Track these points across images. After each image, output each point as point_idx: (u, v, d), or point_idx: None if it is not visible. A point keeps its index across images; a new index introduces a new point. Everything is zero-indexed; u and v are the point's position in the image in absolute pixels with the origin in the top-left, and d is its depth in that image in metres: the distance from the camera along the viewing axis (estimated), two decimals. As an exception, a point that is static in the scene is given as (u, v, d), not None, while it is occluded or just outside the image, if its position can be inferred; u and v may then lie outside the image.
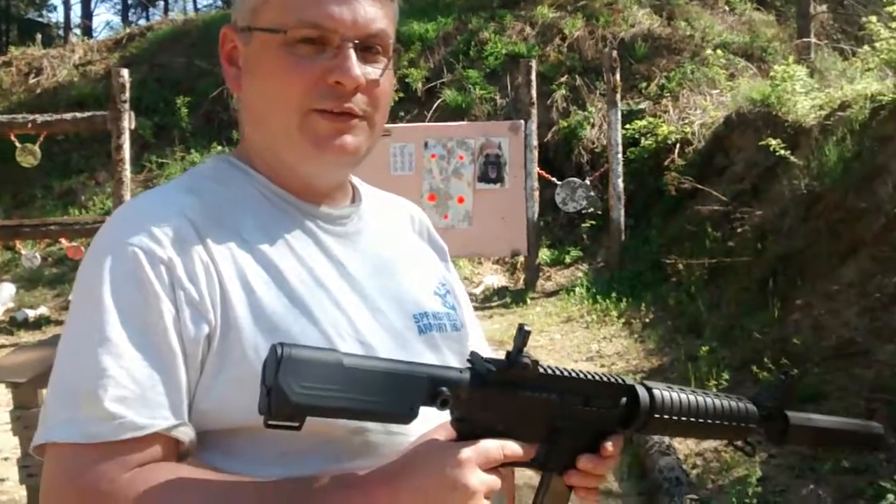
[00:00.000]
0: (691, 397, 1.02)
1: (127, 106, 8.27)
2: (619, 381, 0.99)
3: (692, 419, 1.02)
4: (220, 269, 0.95)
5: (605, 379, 0.97)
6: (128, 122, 8.26)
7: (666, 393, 1.00)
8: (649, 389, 0.99)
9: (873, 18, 7.44)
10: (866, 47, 7.87)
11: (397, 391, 0.83)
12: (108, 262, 0.93)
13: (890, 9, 7.08)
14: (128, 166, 8.42)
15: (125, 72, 8.39)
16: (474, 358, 0.90)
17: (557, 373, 0.92)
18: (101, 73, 13.78)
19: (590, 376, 0.95)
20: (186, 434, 0.91)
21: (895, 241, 5.20)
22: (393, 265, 1.10)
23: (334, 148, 1.01)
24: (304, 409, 0.79)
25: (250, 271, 0.97)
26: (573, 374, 0.94)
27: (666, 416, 0.99)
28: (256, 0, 1.02)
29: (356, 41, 0.99)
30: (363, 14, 1.00)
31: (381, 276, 1.07)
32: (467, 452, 0.86)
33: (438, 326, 1.09)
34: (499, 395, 0.88)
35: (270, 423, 0.79)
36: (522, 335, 0.87)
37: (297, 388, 0.78)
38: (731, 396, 1.08)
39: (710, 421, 1.03)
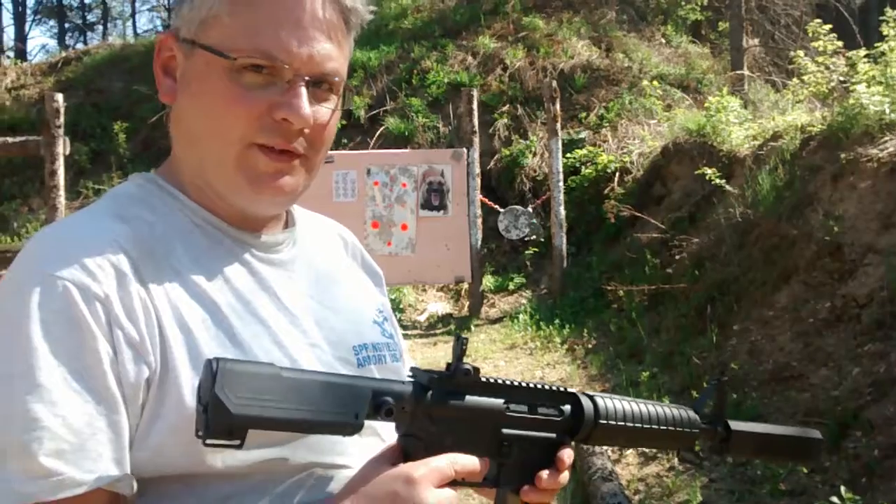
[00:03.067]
0: (633, 405, 1.03)
1: (61, 131, 8.07)
2: (562, 389, 0.98)
3: (637, 425, 1.02)
4: (157, 305, 0.88)
5: (546, 387, 0.97)
6: (62, 147, 8.06)
7: (609, 401, 1.01)
8: (591, 397, 1.00)
9: (801, 53, 7.72)
10: (796, 80, 8.15)
11: (340, 401, 0.81)
12: (35, 297, 0.82)
13: (816, 44, 7.36)
14: (62, 192, 8.20)
15: (59, 96, 8.20)
16: (415, 370, 0.89)
17: (500, 381, 0.92)
18: (34, 97, 13.47)
19: (532, 384, 0.95)
20: (129, 487, 0.84)
21: (827, 267, 5.35)
22: (330, 293, 1.06)
23: (272, 189, 0.96)
24: (245, 420, 0.75)
25: (185, 308, 0.90)
26: (515, 383, 0.94)
27: (611, 423, 0.99)
28: (205, 12, 0.93)
29: (308, 78, 0.94)
30: (319, 50, 0.94)
31: (319, 306, 1.02)
32: (420, 470, 0.83)
33: (377, 358, 1.06)
34: (444, 406, 0.87)
35: (209, 441, 0.75)
36: (461, 344, 0.87)
37: (236, 400, 0.75)
38: (671, 405, 1.09)
39: (654, 427, 1.04)
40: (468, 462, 0.87)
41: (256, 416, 0.76)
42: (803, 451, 1.23)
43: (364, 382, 0.84)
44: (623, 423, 1.01)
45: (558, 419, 0.97)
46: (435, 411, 0.86)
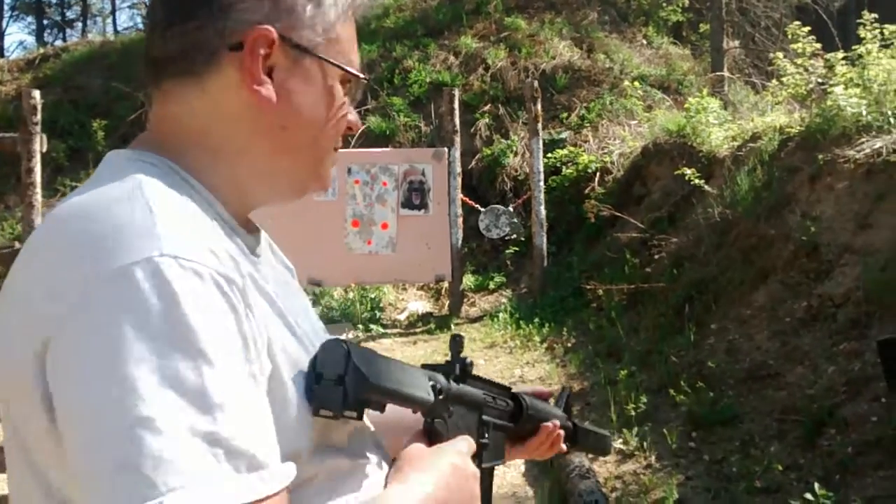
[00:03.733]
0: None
1: (39, 128, 7.99)
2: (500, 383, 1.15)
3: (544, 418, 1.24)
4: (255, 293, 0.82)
5: (494, 381, 1.13)
6: (39, 144, 7.98)
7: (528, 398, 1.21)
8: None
9: (780, 55, 7.79)
10: (775, 81, 8.22)
11: (418, 382, 0.92)
12: (184, 286, 0.72)
13: (795, 46, 7.43)
14: (39, 190, 8.12)
15: (37, 93, 8.11)
16: (432, 364, 1.00)
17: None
18: (11, 93, 13.34)
19: (487, 379, 1.10)
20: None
21: (804, 267, 5.40)
22: (290, 289, 1.02)
23: (326, 185, 0.99)
24: (379, 390, 0.84)
25: (259, 298, 0.84)
26: (483, 377, 1.09)
27: (531, 413, 1.18)
28: (327, 22, 0.92)
29: None
30: None
31: (289, 302, 0.97)
32: (464, 446, 0.95)
33: None
34: (460, 394, 0.99)
35: (346, 413, 0.83)
36: (459, 342, 1.02)
37: (368, 372, 0.83)
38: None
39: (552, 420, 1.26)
40: (473, 443, 0.98)
41: (386, 388, 0.85)
42: (606, 447, 1.54)
43: (419, 369, 0.96)
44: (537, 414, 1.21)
45: (509, 409, 1.14)
46: (452, 398, 0.98)
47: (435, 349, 7.22)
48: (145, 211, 0.75)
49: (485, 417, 1.05)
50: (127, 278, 0.70)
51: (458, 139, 8.98)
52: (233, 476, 0.68)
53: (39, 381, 0.72)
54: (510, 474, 4.62)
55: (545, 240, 8.86)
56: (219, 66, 0.88)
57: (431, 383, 0.93)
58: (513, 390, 1.17)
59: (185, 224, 0.77)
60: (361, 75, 0.96)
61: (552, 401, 1.31)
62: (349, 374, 0.82)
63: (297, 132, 0.92)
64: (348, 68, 0.94)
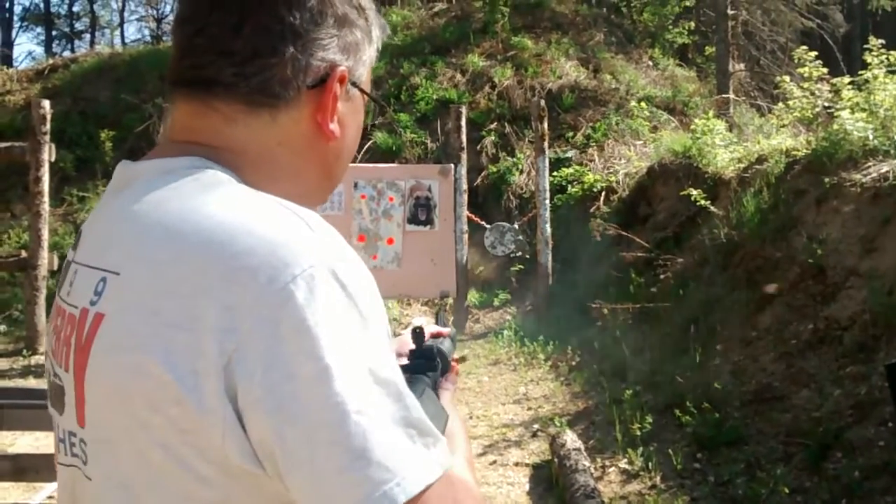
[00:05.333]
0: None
1: (47, 138, 8.05)
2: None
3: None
4: None
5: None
6: (48, 154, 8.03)
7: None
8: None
9: (786, 78, 7.83)
10: (781, 105, 8.25)
11: (437, 410, 1.03)
12: (357, 287, 0.79)
13: (801, 70, 7.47)
14: (46, 199, 8.17)
15: (46, 103, 8.18)
16: (407, 366, 1.12)
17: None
18: (20, 103, 13.40)
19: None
20: None
21: (810, 289, 5.41)
22: None
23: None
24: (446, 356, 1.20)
25: None
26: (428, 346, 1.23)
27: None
28: (372, 59, 0.99)
29: None
30: None
31: None
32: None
33: None
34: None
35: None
36: (420, 335, 1.17)
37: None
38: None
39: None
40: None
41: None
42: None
43: (430, 393, 1.08)
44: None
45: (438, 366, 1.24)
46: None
47: (439, 365, 7.21)
48: (300, 223, 0.79)
49: (430, 374, 1.17)
50: (307, 283, 0.75)
51: (464, 156, 9.01)
52: (427, 453, 0.77)
53: (215, 388, 0.74)
54: (514, 493, 4.61)
55: (550, 258, 8.87)
56: (297, 102, 0.90)
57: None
58: (429, 343, 1.24)
59: (333, 232, 0.82)
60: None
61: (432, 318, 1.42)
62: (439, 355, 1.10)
63: (344, 159, 0.98)
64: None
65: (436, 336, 1.30)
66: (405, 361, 1.11)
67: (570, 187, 10.15)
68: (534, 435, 5.37)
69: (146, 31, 31.57)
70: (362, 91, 0.97)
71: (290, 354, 0.73)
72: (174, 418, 0.76)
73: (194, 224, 0.79)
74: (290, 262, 0.75)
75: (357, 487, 0.72)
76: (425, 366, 1.14)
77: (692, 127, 8.93)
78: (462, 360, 1.43)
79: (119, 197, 0.90)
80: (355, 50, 0.95)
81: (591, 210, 9.46)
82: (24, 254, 8.45)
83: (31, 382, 6.83)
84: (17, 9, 29.77)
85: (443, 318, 1.40)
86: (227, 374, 0.73)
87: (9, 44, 27.89)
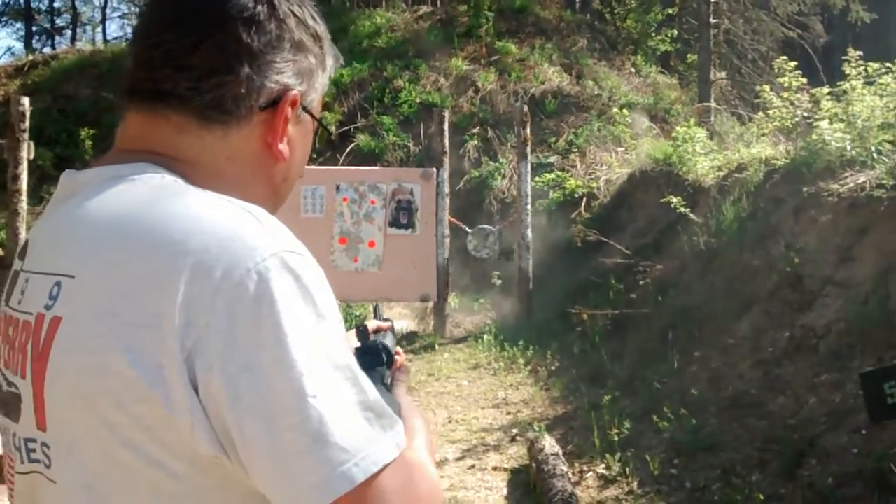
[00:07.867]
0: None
1: (26, 135, 7.96)
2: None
3: None
4: None
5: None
6: (26, 151, 7.95)
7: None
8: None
9: (767, 87, 7.90)
10: (761, 114, 8.32)
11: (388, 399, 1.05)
12: (310, 274, 0.81)
13: (781, 79, 7.54)
14: (24, 197, 8.08)
15: (26, 100, 8.09)
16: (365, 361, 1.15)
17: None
18: (-1, 100, 13.26)
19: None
20: None
21: (787, 297, 5.46)
22: None
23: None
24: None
25: None
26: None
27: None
28: (324, 85, 1.01)
29: None
30: None
31: None
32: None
33: None
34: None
35: None
36: (364, 332, 1.22)
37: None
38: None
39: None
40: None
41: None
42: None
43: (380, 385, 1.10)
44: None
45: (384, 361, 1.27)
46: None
47: (419, 368, 7.21)
48: (250, 218, 0.82)
49: (378, 368, 1.20)
50: (261, 276, 0.77)
51: (446, 160, 9.02)
52: (384, 434, 0.80)
53: (179, 382, 0.75)
54: (492, 497, 4.62)
55: (531, 263, 8.90)
56: (249, 121, 0.93)
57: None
58: (373, 340, 1.27)
59: (281, 226, 0.84)
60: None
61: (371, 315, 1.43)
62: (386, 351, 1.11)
63: (290, 179, 1.01)
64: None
65: (377, 331, 1.32)
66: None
67: (551, 192, 10.19)
68: (512, 440, 5.38)
69: (129, 29, 31.28)
70: (312, 116, 1.00)
71: (246, 346, 0.75)
72: (139, 416, 0.77)
73: (148, 224, 0.81)
74: (243, 256, 0.77)
75: (316, 468, 0.75)
76: (372, 361, 1.16)
77: (673, 134, 9.00)
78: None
79: (66, 204, 0.91)
80: (309, 76, 0.97)
81: (572, 216, 9.50)
82: (0, 252, 8.36)
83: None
84: (-3, 4, 29.42)
85: (380, 311, 1.43)
86: (188, 367, 0.75)
87: (-12, 39, 27.54)
